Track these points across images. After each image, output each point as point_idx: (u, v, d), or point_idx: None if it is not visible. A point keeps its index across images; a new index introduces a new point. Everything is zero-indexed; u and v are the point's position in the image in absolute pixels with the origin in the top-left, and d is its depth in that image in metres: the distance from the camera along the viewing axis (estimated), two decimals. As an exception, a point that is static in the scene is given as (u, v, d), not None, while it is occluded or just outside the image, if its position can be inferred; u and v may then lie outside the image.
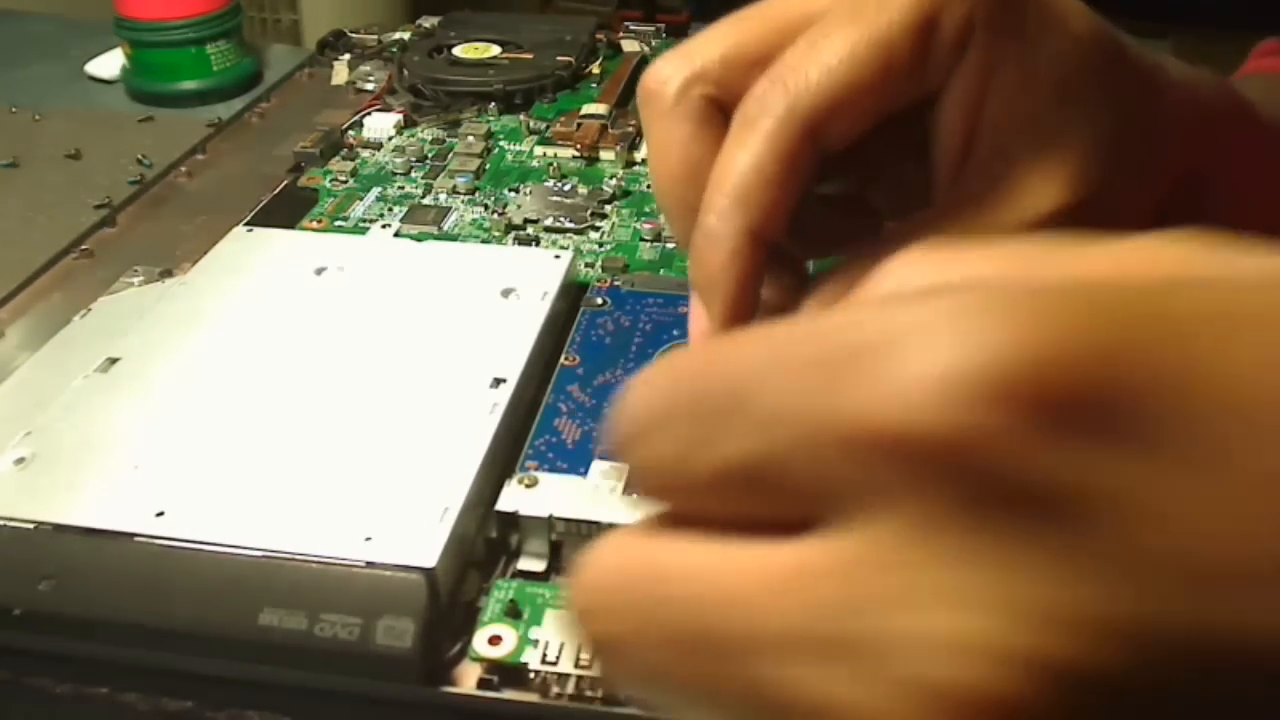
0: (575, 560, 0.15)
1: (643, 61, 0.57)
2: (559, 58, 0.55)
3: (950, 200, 0.25)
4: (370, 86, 0.56)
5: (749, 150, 0.24)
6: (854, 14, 0.24)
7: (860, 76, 0.23)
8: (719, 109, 0.26)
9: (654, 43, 0.61)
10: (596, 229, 0.42)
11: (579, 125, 0.48)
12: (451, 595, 0.25)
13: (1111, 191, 0.25)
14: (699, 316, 0.25)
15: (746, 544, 0.13)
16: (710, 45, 0.26)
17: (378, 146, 0.49)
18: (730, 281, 0.24)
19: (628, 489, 0.26)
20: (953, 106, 0.25)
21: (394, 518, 0.26)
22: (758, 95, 0.24)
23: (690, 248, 0.25)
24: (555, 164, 0.47)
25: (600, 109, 0.49)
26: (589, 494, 0.27)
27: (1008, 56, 0.24)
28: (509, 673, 0.24)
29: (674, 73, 0.26)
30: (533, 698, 0.24)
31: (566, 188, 0.45)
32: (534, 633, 0.24)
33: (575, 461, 0.28)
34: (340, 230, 0.42)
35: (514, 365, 0.31)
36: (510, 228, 0.42)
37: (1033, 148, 0.24)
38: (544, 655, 0.23)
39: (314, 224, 0.42)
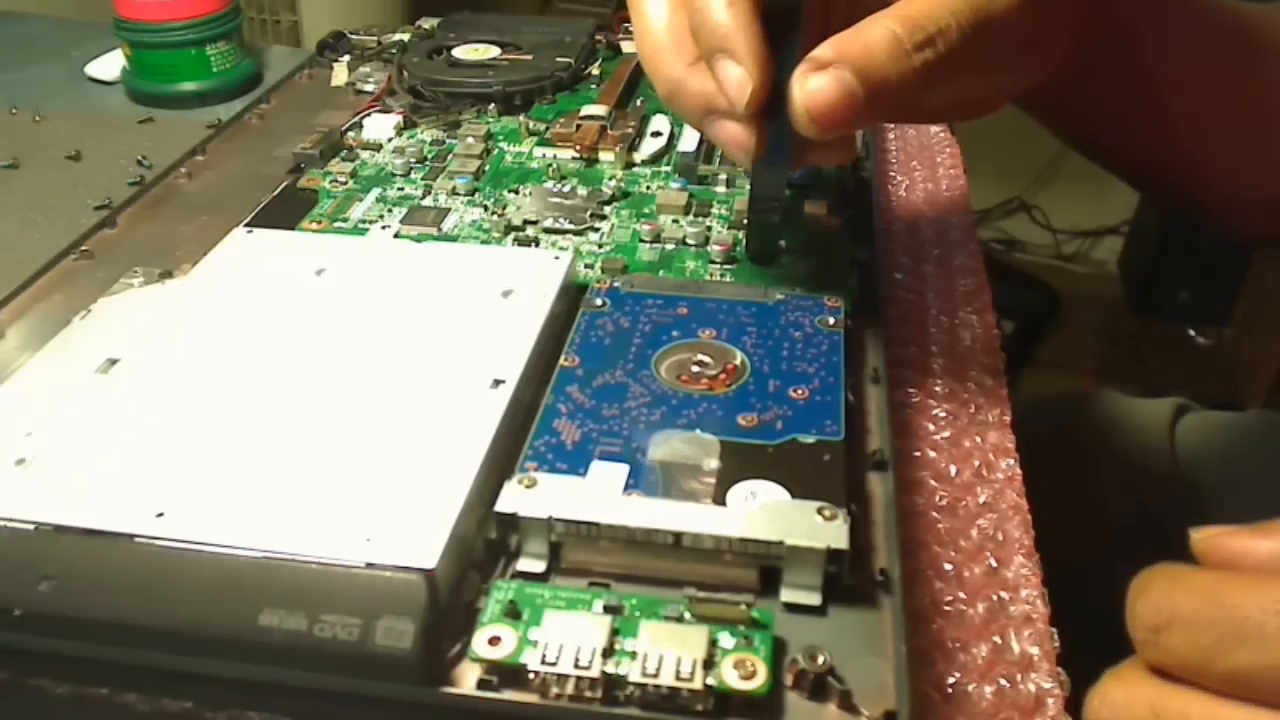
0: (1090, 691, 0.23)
1: (642, 63, 0.57)
2: (558, 59, 0.55)
3: None
4: (370, 88, 0.56)
5: None
6: None
7: None
8: None
9: (653, 44, 0.60)
10: (596, 230, 0.42)
11: (578, 126, 0.48)
12: (451, 596, 0.25)
13: None
14: (726, 70, 0.30)
15: (1239, 707, 0.21)
16: None
17: (377, 148, 0.49)
18: (739, 25, 0.29)
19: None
20: None
21: (394, 518, 0.26)
22: None
23: (697, 37, 0.31)
24: (555, 165, 0.47)
25: (600, 110, 0.49)
26: (588, 495, 0.27)
27: None
28: (508, 673, 0.24)
29: None
30: (532, 698, 0.24)
31: (566, 189, 0.45)
32: (533, 633, 0.24)
33: (575, 462, 0.28)
34: (340, 231, 0.42)
35: (513, 366, 0.31)
36: (510, 229, 0.42)
37: None
38: (543, 656, 0.23)
39: (314, 225, 0.42)
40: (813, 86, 0.29)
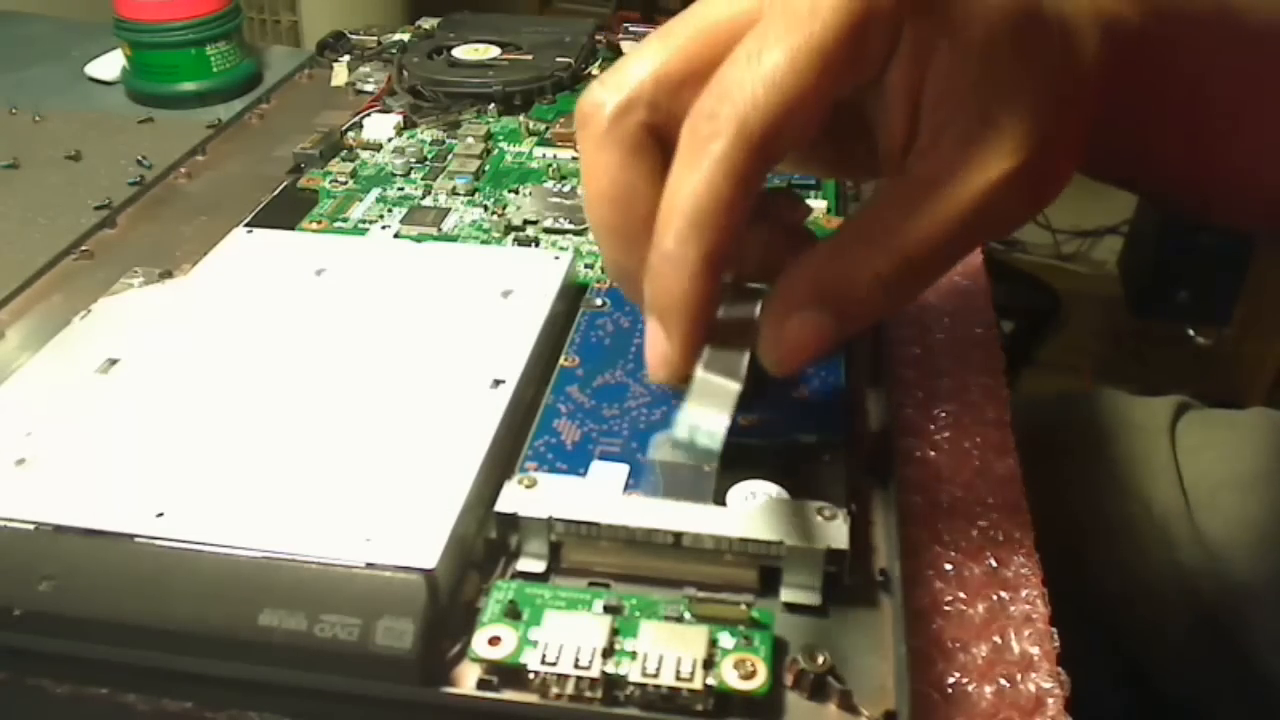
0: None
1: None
2: (558, 59, 0.55)
3: (903, 182, 0.26)
4: (370, 88, 0.56)
5: (704, 174, 0.24)
6: (788, 22, 0.24)
7: (804, 86, 0.24)
8: (652, 134, 0.26)
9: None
10: (596, 230, 0.42)
11: (578, 127, 0.48)
12: (451, 596, 0.25)
13: (1053, 147, 0.25)
14: (657, 340, 0.26)
15: None
16: (642, 66, 0.26)
17: (377, 148, 0.49)
18: (691, 305, 0.25)
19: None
20: (894, 93, 0.25)
21: (394, 518, 0.26)
22: (706, 114, 0.24)
23: (647, 274, 0.25)
24: (555, 165, 0.47)
25: (600, 110, 0.49)
26: (588, 495, 0.27)
27: (939, 37, 0.25)
28: (508, 673, 0.24)
29: (608, 98, 0.26)
30: (532, 698, 0.24)
31: (566, 189, 0.45)
32: (533, 633, 0.24)
33: (575, 462, 0.28)
34: (340, 231, 0.42)
35: (513, 366, 0.31)
36: (510, 229, 0.42)
37: (977, 120, 0.25)
38: (543, 656, 0.23)
39: (314, 225, 0.42)
40: (789, 335, 0.26)
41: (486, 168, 0.47)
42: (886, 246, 0.25)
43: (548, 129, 0.50)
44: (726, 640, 0.24)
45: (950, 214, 0.25)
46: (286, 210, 0.43)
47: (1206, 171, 0.37)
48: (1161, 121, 0.34)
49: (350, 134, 0.50)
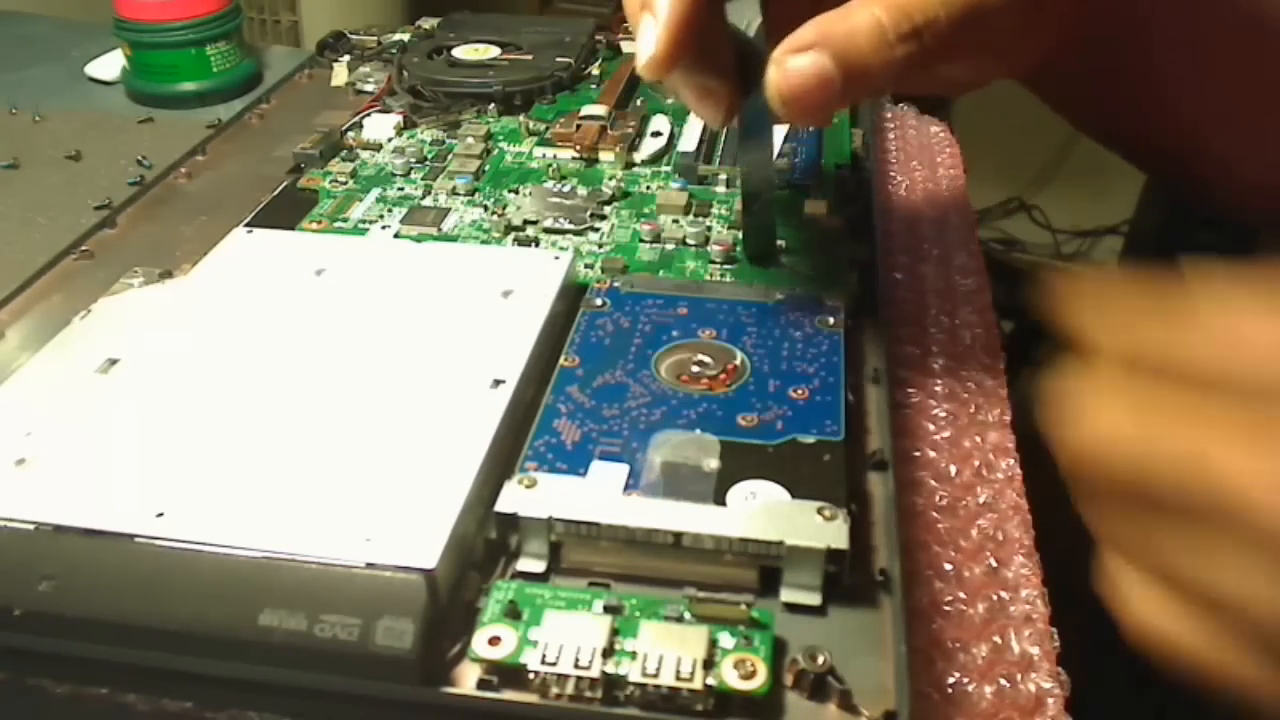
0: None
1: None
2: (558, 59, 0.55)
3: None
4: (370, 88, 0.56)
5: None
6: None
7: None
8: None
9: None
10: (596, 230, 0.42)
11: (578, 126, 0.48)
12: (451, 596, 0.25)
13: None
14: (647, 31, 0.30)
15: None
16: None
17: (377, 148, 0.49)
18: (679, 5, 0.29)
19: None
20: None
21: (394, 518, 0.26)
22: None
23: None
24: (555, 165, 0.47)
25: (600, 110, 0.49)
26: (588, 495, 0.27)
27: None
28: (508, 673, 0.24)
29: None
30: (532, 698, 0.24)
31: (566, 189, 0.45)
32: (533, 633, 0.24)
33: (575, 462, 0.28)
34: (340, 231, 0.42)
35: (513, 366, 0.31)
36: (510, 229, 0.42)
37: None
38: (543, 656, 0.23)
39: (314, 225, 0.42)
40: (790, 68, 0.29)
41: (486, 168, 0.47)
42: None
43: (548, 129, 0.50)
44: (726, 640, 0.24)
45: None
46: (286, 210, 0.43)
47: (1200, 145, 0.38)
48: (1158, 87, 0.36)
49: (350, 134, 0.50)
